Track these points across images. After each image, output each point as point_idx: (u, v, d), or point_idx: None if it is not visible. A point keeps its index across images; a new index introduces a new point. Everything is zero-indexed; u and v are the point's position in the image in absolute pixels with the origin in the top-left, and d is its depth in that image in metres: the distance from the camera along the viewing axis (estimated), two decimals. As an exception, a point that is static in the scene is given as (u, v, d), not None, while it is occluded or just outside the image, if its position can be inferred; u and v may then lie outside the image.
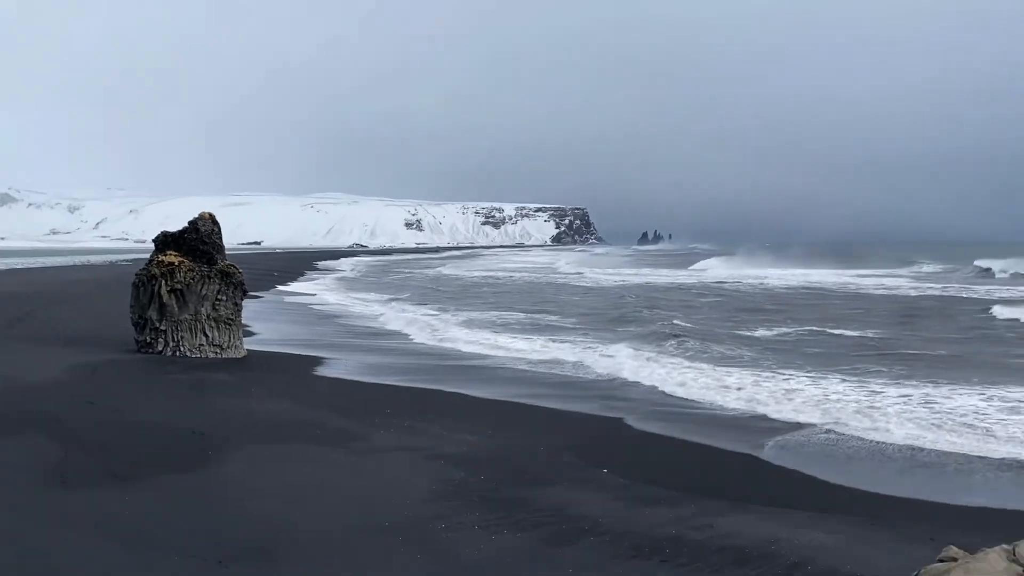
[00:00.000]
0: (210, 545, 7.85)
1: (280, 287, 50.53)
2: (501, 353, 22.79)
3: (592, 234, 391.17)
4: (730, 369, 19.29)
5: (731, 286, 55.16)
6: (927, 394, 15.99)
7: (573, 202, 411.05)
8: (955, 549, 4.57)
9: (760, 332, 27.00)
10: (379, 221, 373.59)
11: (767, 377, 18.17)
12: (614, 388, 17.76)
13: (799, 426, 14.01)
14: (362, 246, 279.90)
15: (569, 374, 19.58)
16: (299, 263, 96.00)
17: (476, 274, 74.76)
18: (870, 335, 26.19)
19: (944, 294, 46.60)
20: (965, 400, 15.38)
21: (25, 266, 67.59)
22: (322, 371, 19.28)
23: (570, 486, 10.39)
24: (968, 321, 31.12)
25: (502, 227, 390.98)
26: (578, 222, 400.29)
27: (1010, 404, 15.03)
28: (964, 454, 12.20)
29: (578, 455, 12.02)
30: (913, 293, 47.35)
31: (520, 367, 20.46)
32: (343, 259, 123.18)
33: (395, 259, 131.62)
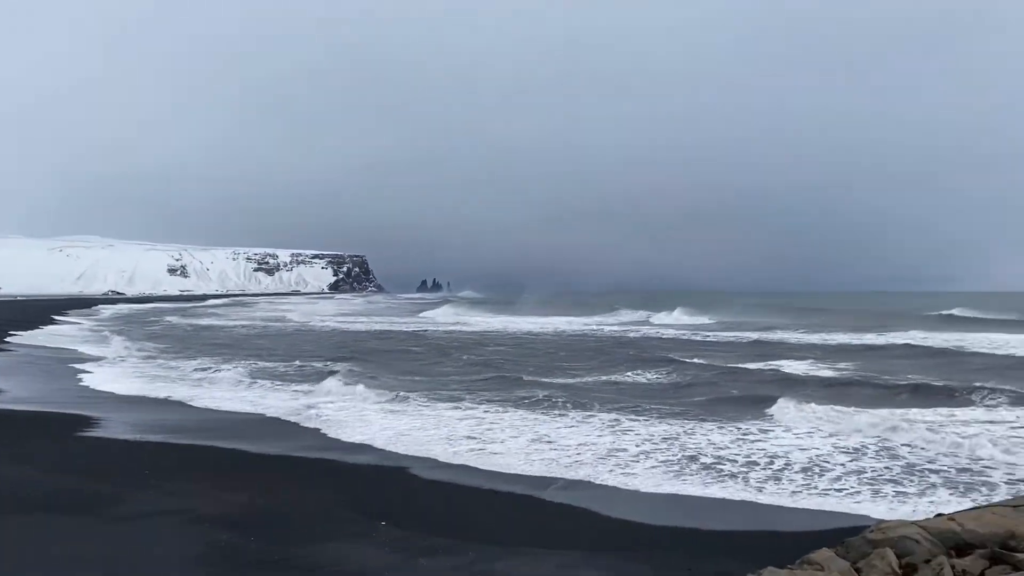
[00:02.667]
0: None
1: (21, 339, 45.45)
2: (276, 406, 21.95)
3: (371, 281, 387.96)
4: (482, 417, 19.91)
5: (444, 332, 58.33)
6: (664, 432, 17.39)
7: (353, 249, 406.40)
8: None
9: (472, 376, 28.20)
10: (138, 266, 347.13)
11: (501, 424, 18.84)
12: (378, 439, 17.65)
13: (566, 468, 14.63)
14: (119, 293, 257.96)
15: (333, 422, 19.25)
16: (45, 312, 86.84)
17: (241, 323, 71.69)
18: (578, 381, 28.02)
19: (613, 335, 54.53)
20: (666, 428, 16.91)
21: None
22: (75, 431, 17.52)
23: (347, 541, 10.15)
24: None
25: (276, 274, 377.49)
26: (356, 269, 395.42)
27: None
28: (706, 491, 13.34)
29: (356, 508, 11.79)
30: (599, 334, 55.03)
31: (293, 420, 19.82)
32: (98, 307, 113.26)
33: (155, 307, 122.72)
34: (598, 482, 13.67)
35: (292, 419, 19.82)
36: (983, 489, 12.80)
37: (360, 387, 23.95)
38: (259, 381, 27.05)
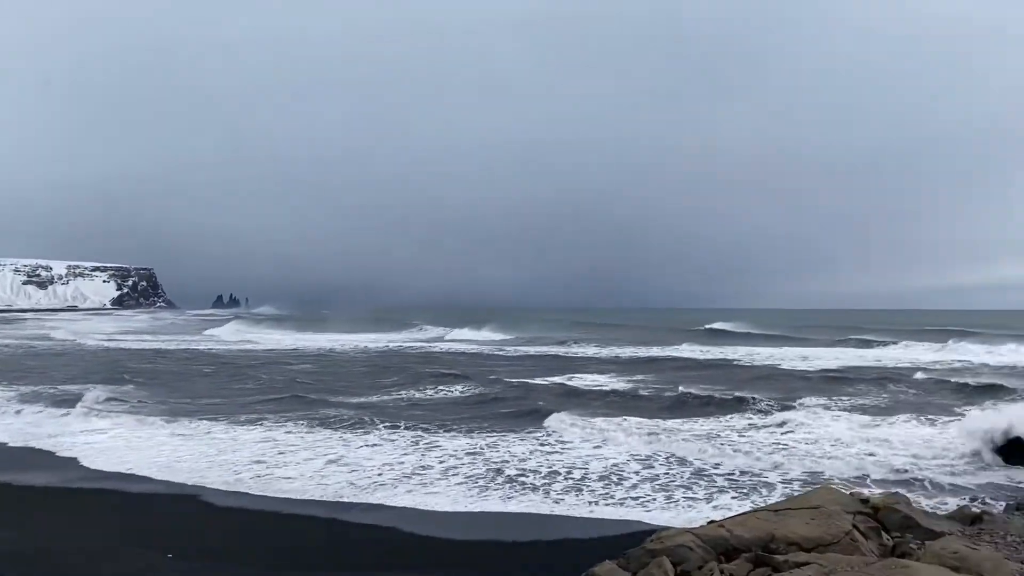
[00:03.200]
0: None
1: None
2: (33, 432, 20.03)
3: (160, 296, 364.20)
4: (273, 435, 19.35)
5: (238, 351, 56.19)
6: (467, 446, 17.68)
7: (140, 261, 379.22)
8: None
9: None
10: None
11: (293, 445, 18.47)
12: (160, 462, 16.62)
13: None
14: None
15: (100, 450, 17.89)
16: None
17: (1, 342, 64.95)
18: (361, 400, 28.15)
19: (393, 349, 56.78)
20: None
21: None
22: None
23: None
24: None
25: (50, 287, 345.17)
26: (143, 283, 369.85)
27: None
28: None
29: (138, 542, 10.98)
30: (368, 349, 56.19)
31: (50, 449, 18.16)
32: None
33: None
34: (398, 503, 13.58)
35: (49, 448, 18.16)
36: (763, 491, 13.99)
37: (134, 414, 22.43)
38: (16, 407, 24.50)
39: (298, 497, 13.86)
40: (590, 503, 13.46)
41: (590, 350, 54.03)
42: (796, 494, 10.13)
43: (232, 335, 78.45)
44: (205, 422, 21.24)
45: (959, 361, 43.01)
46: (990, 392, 26.92)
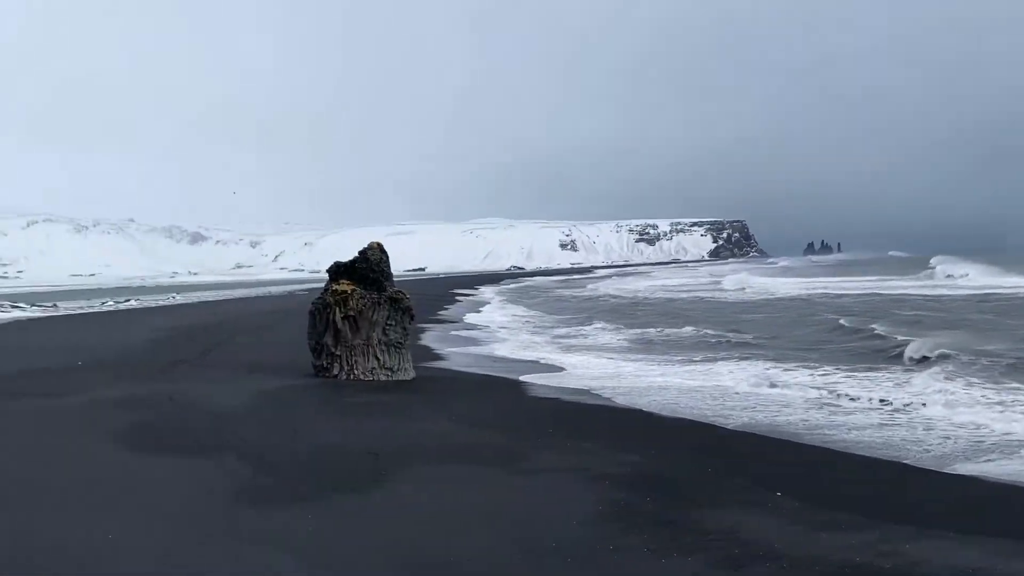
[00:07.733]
0: (383, 564, 8.15)
1: (450, 312, 51.66)
2: (666, 371, 22.53)
3: (753, 246, 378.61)
4: None
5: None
6: None
7: (731, 214, 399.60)
8: None
9: None
10: (535, 243, 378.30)
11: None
12: (785, 410, 17.02)
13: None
14: (519, 268, 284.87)
15: (742, 392, 18.99)
16: (462, 285, 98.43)
17: (640, 292, 74.34)
18: None
19: None
20: None
21: (215, 298, 76.33)
22: (488, 391, 19.65)
23: (740, 509, 9.98)
24: None
25: (657, 243, 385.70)
26: (737, 235, 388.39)
27: None
28: None
29: (749, 477, 11.55)
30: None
31: (687, 385, 20.06)
32: (504, 281, 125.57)
33: (554, 280, 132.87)
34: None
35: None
36: None
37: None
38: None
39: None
40: None
41: None
42: None
43: (734, 284, 77.23)
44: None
45: None
46: None
